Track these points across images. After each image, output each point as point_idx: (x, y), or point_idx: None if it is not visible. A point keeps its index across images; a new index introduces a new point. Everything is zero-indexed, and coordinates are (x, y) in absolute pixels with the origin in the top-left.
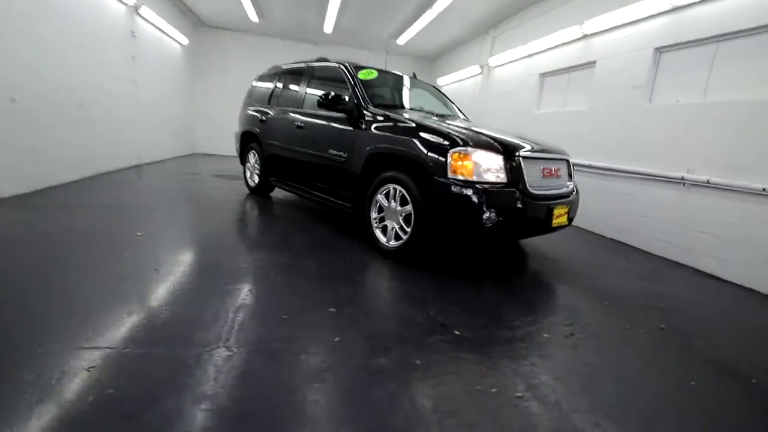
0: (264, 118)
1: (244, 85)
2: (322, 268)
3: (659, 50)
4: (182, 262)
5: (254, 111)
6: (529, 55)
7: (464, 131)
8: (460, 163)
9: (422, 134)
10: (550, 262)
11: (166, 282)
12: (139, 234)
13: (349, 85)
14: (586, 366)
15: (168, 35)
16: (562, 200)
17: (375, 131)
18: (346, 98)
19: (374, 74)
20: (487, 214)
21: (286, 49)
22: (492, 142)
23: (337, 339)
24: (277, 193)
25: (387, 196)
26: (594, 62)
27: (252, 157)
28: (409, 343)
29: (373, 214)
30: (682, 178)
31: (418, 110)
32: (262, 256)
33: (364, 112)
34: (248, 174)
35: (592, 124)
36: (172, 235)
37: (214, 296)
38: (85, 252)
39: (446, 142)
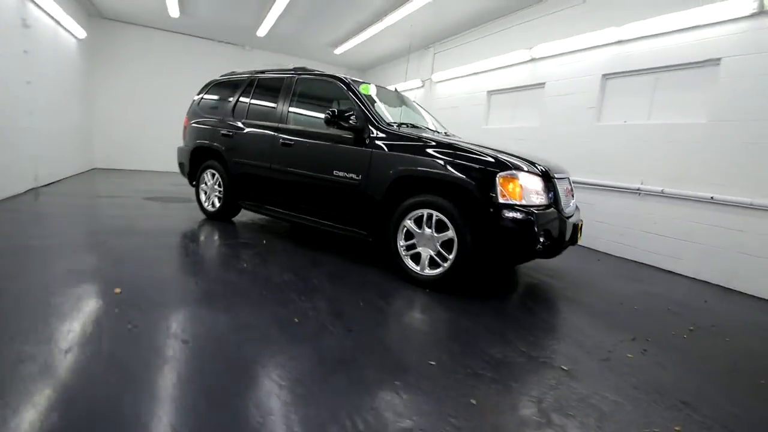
0: (230, 132)
1: (158, 90)
2: (370, 310)
3: (606, 76)
4: (201, 350)
5: (211, 124)
6: (476, 73)
7: (501, 154)
8: (509, 186)
9: (461, 157)
10: (544, 272)
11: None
12: (117, 291)
13: (353, 101)
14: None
15: (63, 26)
16: (578, 218)
17: (399, 152)
18: (354, 115)
19: (369, 89)
20: (541, 237)
21: (207, 50)
22: (532, 164)
23: (473, 401)
24: (241, 216)
25: (417, 221)
26: (544, 83)
27: (209, 178)
28: (562, 389)
29: (401, 242)
30: (639, 189)
31: (412, 126)
32: (302, 309)
33: (378, 130)
34: (203, 196)
35: (545, 140)
36: (150, 292)
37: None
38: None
39: (492, 166)
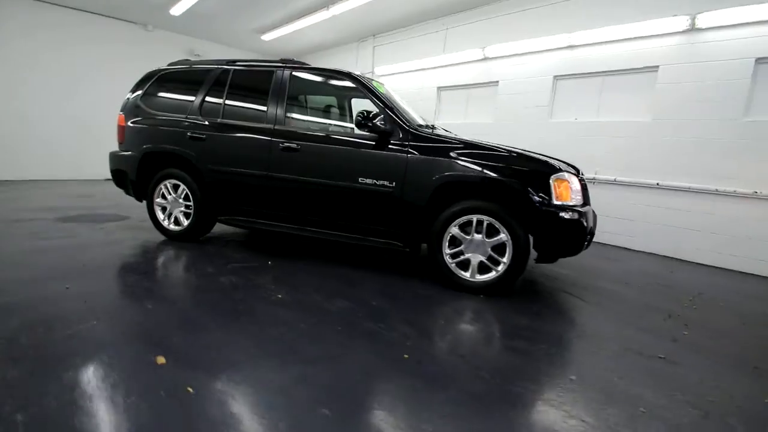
0: (201, 135)
1: (43, 80)
2: (464, 330)
3: (557, 77)
4: None
5: (169, 124)
6: (424, 69)
7: (538, 155)
8: (561, 188)
9: (509, 159)
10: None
11: None
12: (161, 360)
13: (375, 101)
14: None
15: None
16: None
17: (441, 157)
18: (380, 117)
19: (383, 87)
20: (588, 233)
21: (97, 28)
22: (567, 164)
23: (642, 409)
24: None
25: (464, 227)
26: (497, 82)
27: (170, 190)
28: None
29: (447, 250)
30: (593, 178)
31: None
32: (396, 341)
33: (412, 133)
34: (161, 213)
35: (499, 135)
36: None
37: None
38: None
39: (544, 168)
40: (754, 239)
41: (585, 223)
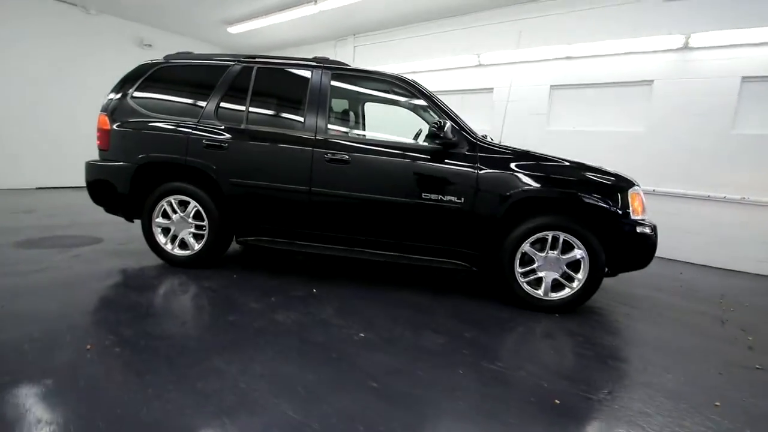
0: (221, 143)
1: None
2: (582, 359)
3: (554, 87)
4: None
5: (173, 130)
6: (414, 72)
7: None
8: (636, 202)
9: (589, 174)
10: None
11: None
12: None
13: (439, 111)
14: None
15: None
16: None
17: (513, 171)
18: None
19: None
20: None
21: (24, 8)
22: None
23: None
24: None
25: (537, 244)
26: (492, 88)
27: (175, 208)
28: None
29: (519, 268)
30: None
31: None
32: (533, 384)
33: (477, 145)
34: (162, 237)
35: (497, 141)
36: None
37: None
38: None
39: (622, 182)
40: (740, 240)
41: (656, 236)
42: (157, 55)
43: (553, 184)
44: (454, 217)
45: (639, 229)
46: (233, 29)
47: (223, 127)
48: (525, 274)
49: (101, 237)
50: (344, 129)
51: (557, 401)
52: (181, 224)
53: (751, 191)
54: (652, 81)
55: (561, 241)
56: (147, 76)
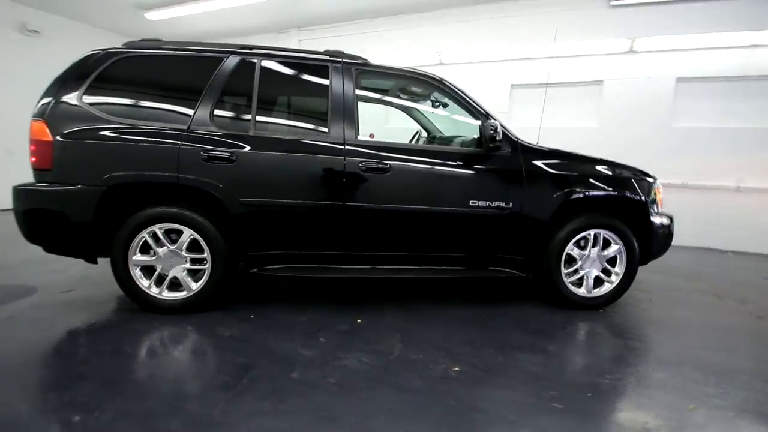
0: (228, 154)
1: None
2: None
3: (514, 86)
4: None
5: (161, 140)
6: None
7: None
8: (660, 195)
9: (626, 172)
10: None
11: None
12: None
13: (478, 111)
14: None
15: None
16: None
17: (556, 171)
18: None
19: None
20: None
21: None
22: None
23: None
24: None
25: (579, 243)
26: None
27: (161, 240)
28: None
29: (564, 269)
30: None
31: None
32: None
33: (520, 146)
34: (145, 278)
35: None
36: None
37: None
38: None
39: (648, 177)
40: (681, 219)
41: (673, 226)
42: (46, 44)
43: (598, 183)
44: (503, 223)
45: (664, 221)
46: (153, 15)
47: (222, 136)
48: (569, 275)
49: (33, 284)
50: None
51: (691, 406)
52: (170, 259)
53: (689, 176)
54: (602, 81)
55: (602, 238)
56: (102, 70)
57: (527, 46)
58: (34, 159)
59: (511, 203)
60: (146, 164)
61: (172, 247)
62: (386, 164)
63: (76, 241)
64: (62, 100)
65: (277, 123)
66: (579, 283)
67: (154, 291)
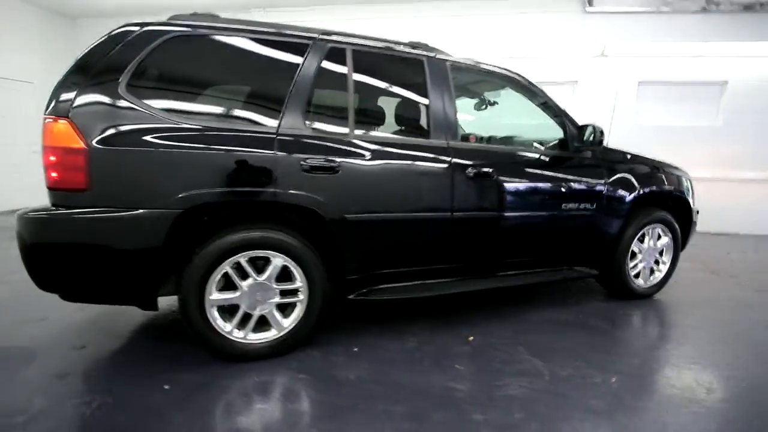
0: (331, 163)
1: None
2: None
3: None
4: None
5: (245, 147)
6: None
7: None
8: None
9: (674, 170)
10: None
11: None
12: None
13: (557, 109)
14: None
15: None
16: None
17: (626, 172)
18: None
19: None
20: None
21: None
22: None
23: None
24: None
25: (640, 238)
26: None
27: (247, 271)
28: None
29: (630, 262)
30: None
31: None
32: None
33: (598, 146)
34: (227, 321)
35: None
36: None
37: None
38: None
39: (684, 173)
40: None
41: None
42: None
43: (660, 181)
44: (587, 225)
45: (695, 213)
46: None
47: (321, 140)
48: (633, 268)
49: (23, 343)
50: (475, 133)
51: None
52: (257, 293)
53: None
54: (576, 81)
55: (658, 232)
56: (150, 52)
57: (507, 46)
58: (54, 175)
59: (595, 204)
60: (237, 178)
61: (260, 279)
62: (490, 170)
63: (131, 283)
64: (95, 92)
65: (376, 124)
66: (637, 275)
67: (238, 335)
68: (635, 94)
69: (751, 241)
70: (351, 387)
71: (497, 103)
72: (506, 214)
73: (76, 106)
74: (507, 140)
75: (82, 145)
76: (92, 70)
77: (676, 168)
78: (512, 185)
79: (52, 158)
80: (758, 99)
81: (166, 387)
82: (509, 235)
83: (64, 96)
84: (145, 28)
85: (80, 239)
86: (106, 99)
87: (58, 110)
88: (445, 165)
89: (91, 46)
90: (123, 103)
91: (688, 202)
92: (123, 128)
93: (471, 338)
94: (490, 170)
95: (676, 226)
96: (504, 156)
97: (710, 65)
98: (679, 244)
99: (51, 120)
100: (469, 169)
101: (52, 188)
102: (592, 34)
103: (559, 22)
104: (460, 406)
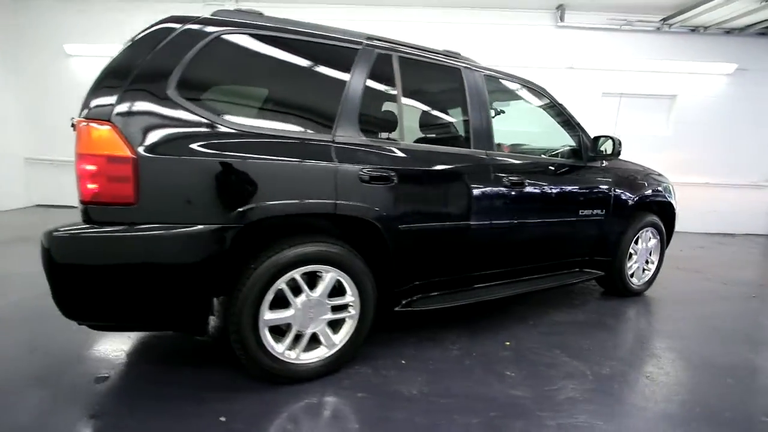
0: (387, 172)
1: None
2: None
3: None
4: None
5: (305, 156)
6: None
7: None
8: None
9: (663, 178)
10: None
11: None
12: None
13: (569, 115)
14: None
15: None
16: None
17: (625, 177)
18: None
19: None
20: None
21: None
22: None
23: None
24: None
25: (636, 240)
26: None
27: (301, 287)
28: None
29: (627, 263)
30: None
31: None
32: None
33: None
34: (280, 343)
35: None
36: None
37: None
38: None
39: (668, 180)
40: None
41: None
42: None
43: (655, 188)
44: (597, 230)
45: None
46: None
47: (377, 148)
48: (629, 268)
49: (32, 373)
50: (507, 143)
51: None
52: (311, 311)
53: None
54: None
55: (649, 235)
56: (199, 51)
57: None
58: (93, 186)
59: (604, 210)
60: (302, 190)
61: (314, 295)
62: (517, 179)
63: (183, 307)
64: (140, 95)
65: (424, 130)
66: (632, 274)
67: (291, 356)
68: (599, 104)
69: (699, 239)
70: (418, 402)
71: (504, 112)
72: (533, 220)
73: (119, 110)
74: (516, 148)
75: (128, 153)
76: (134, 71)
77: (659, 174)
78: (539, 192)
79: (91, 167)
80: (703, 112)
81: (222, 419)
82: (537, 241)
83: (103, 99)
84: (188, 26)
85: (129, 259)
86: (154, 103)
87: (98, 114)
88: (487, 174)
89: (128, 45)
90: (173, 107)
91: (672, 206)
92: (175, 135)
93: (508, 343)
94: (522, 179)
95: (663, 229)
96: (531, 165)
97: (663, 80)
98: (665, 245)
99: (90, 123)
100: (506, 179)
101: (90, 202)
102: (562, 48)
103: (533, 36)
104: (533, 413)
